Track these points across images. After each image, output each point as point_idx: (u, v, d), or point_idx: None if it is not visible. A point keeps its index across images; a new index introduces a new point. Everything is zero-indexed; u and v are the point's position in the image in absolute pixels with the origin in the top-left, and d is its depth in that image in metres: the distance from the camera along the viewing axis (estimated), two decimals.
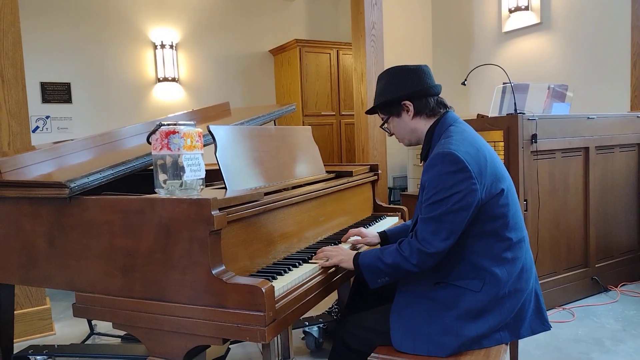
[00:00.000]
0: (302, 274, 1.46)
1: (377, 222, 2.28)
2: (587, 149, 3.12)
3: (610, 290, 3.25)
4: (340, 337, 1.57)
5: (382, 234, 1.87)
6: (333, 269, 1.59)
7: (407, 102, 1.57)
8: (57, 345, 2.41)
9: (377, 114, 1.70)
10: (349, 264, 1.54)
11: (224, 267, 1.26)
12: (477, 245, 1.44)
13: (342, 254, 1.57)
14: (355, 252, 1.56)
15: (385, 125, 1.66)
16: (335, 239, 1.90)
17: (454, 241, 1.39)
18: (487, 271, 1.43)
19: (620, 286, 3.31)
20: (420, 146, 1.63)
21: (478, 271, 1.43)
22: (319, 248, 1.73)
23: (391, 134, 1.68)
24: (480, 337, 1.42)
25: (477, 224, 1.42)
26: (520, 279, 1.47)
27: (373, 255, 1.49)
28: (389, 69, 1.62)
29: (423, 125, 1.59)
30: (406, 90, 1.56)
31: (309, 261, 1.58)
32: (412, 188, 5.07)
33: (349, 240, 1.87)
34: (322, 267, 1.55)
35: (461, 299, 1.42)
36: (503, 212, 1.44)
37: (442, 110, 1.58)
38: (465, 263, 1.44)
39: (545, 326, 1.54)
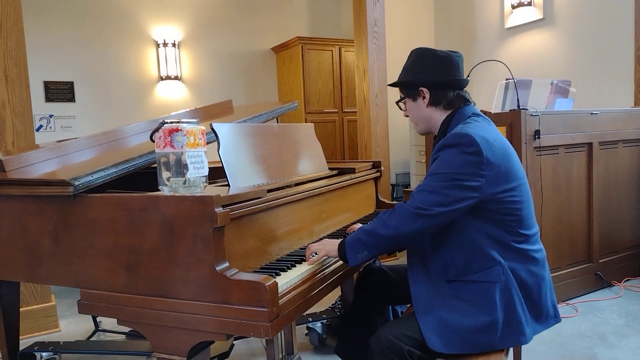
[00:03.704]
0: (305, 270, 1.47)
1: None
2: (590, 144, 3.12)
3: (614, 285, 3.25)
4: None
5: None
6: (335, 265, 1.59)
7: (424, 89, 1.54)
8: (63, 342, 2.43)
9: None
10: (335, 252, 1.52)
11: (227, 264, 1.27)
12: (489, 236, 1.42)
13: (327, 245, 1.55)
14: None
15: (401, 103, 1.63)
16: (338, 235, 1.91)
17: (439, 214, 1.35)
18: (500, 261, 1.41)
19: (624, 281, 3.30)
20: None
21: (492, 261, 1.41)
22: None
23: (406, 115, 1.65)
24: (519, 329, 1.41)
25: (488, 215, 1.40)
26: (535, 273, 1.46)
27: (358, 230, 1.47)
28: (419, 48, 1.58)
29: (438, 115, 1.56)
30: (427, 76, 1.53)
31: (303, 263, 1.55)
32: (415, 184, 5.07)
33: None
34: (313, 263, 1.53)
35: (490, 293, 1.40)
36: (516, 208, 1.42)
37: (460, 104, 1.54)
38: (476, 254, 1.42)
39: (556, 318, 1.54)
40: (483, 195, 1.37)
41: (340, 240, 1.54)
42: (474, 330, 1.39)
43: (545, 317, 1.51)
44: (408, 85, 1.58)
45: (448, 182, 1.35)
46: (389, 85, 1.67)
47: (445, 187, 1.35)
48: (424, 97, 1.55)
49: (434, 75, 1.52)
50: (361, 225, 1.50)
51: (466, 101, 1.56)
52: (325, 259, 1.58)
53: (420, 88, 1.55)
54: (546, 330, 1.59)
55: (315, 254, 1.56)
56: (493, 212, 1.41)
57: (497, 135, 1.46)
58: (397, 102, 1.65)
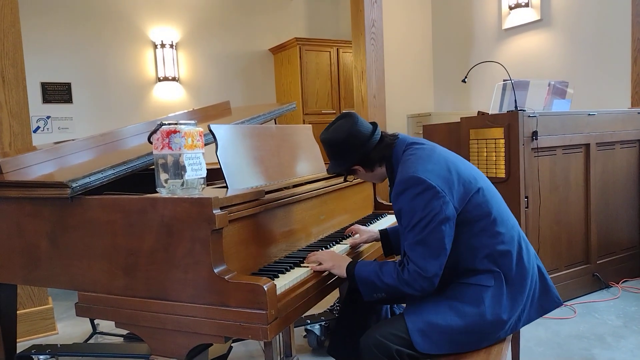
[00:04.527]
0: (303, 272, 1.47)
1: (378, 220, 2.28)
2: (587, 145, 3.12)
3: (612, 286, 3.26)
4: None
5: (383, 232, 1.87)
6: None
7: (355, 166, 1.60)
8: (60, 345, 2.42)
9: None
10: (340, 271, 1.52)
11: (225, 266, 1.26)
12: (473, 249, 1.46)
13: (334, 260, 1.54)
14: (349, 260, 1.54)
15: (349, 177, 1.72)
16: (336, 237, 1.91)
17: (446, 257, 1.40)
18: (491, 268, 1.46)
19: (622, 282, 3.31)
20: None
21: (483, 270, 1.46)
22: (319, 247, 1.74)
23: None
24: (503, 328, 1.45)
25: (465, 230, 1.44)
26: (521, 264, 1.49)
27: (371, 270, 1.47)
28: (324, 140, 1.60)
29: (379, 170, 1.62)
30: (348, 160, 1.58)
31: (301, 265, 1.55)
32: None
33: (349, 239, 1.88)
34: (313, 268, 1.53)
35: (481, 295, 1.44)
36: (486, 210, 1.46)
37: (388, 151, 1.58)
38: (468, 268, 1.47)
39: (555, 302, 1.56)
40: (457, 213, 1.42)
41: (348, 260, 1.54)
42: (461, 331, 1.42)
43: (542, 303, 1.55)
44: (342, 171, 1.65)
45: (427, 227, 1.38)
46: (330, 173, 1.70)
47: (430, 234, 1.38)
48: (359, 170, 1.62)
49: (352, 155, 1.57)
50: (374, 263, 1.50)
51: (390, 146, 1.58)
52: None
53: (352, 168, 1.61)
54: (544, 331, 1.59)
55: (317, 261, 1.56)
56: (469, 223, 1.44)
57: (433, 155, 1.49)
58: (344, 180, 1.76)
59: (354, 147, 1.56)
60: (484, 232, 1.46)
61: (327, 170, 1.68)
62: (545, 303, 1.56)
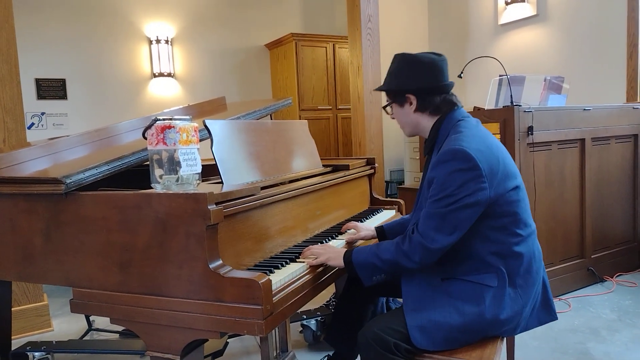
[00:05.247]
0: (299, 267, 1.47)
1: (374, 215, 2.29)
2: (583, 140, 3.13)
3: (606, 280, 3.27)
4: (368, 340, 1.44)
5: (379, 229, 1.87)
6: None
7: (411, 96, 1.53)
8: (55, 342, 2.42)
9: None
10: (337, 261, 1.51)
11: (221, 262, 1.26)
12: (487, 241, 1.43)
13: (330, 252, 1.54)
14: (345, 250, 1.52)
15: (388, 108, 1.63)
16: (332, 232, 1.91)
17: (458, 238, 1.37)
18: (498, 266, 1.43)
19: (616, 276, 3.33)
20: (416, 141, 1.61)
21: (489, 266, 1.44)
22: (315, 242, 1.74)
23: (393, 118, 1.65)
24: (500, 329, 1.44)
25: (486, 221, 1.41)
26: (530, 271, 1.47)
27: (368, 252, 1.46)
28: (404, 54, 1.55)
29: (426, 120, 1.55)
30: (412, 84, 1.52)
31: (297, 260, 1.55)
32: (409, 181, 5.08)
33: (346, 234, 1.88)
34: (309, 263, 1.53)
35: (482, 295, 1.42)
36: (514, 209, 1.43)
37: (448, 109, 1.53)
38: (474, 259, 1.44)
39: (552, 316, 1.56)
40: (488, 203, 1.38)
41: (343, 250, 1.53)
42: (460, 329, 1.41)
43: (540, 316, 1.54)
44: (394, 92, 1.57)
45: (453, 205, 1.35)
46: (375, 90, 1.67)
47: (453, 211, 1.35)
48: (411, 104, 1.55)
49: (419, 82, 1.51)
50: (370, 246, 1.50)
51: (454, 105, 1.54)
52: None
53: (407, 95, 1.54)
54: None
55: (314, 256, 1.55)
56: (494, 216, 1.41)
57: (488, 138, 1.46)
58: (384, 107, 1.65)
59: (426, 76, 1.49)
60: (504, 229, 1.43)
61: (379, 87, 1.61)
62: (543, 316, 1.55)
